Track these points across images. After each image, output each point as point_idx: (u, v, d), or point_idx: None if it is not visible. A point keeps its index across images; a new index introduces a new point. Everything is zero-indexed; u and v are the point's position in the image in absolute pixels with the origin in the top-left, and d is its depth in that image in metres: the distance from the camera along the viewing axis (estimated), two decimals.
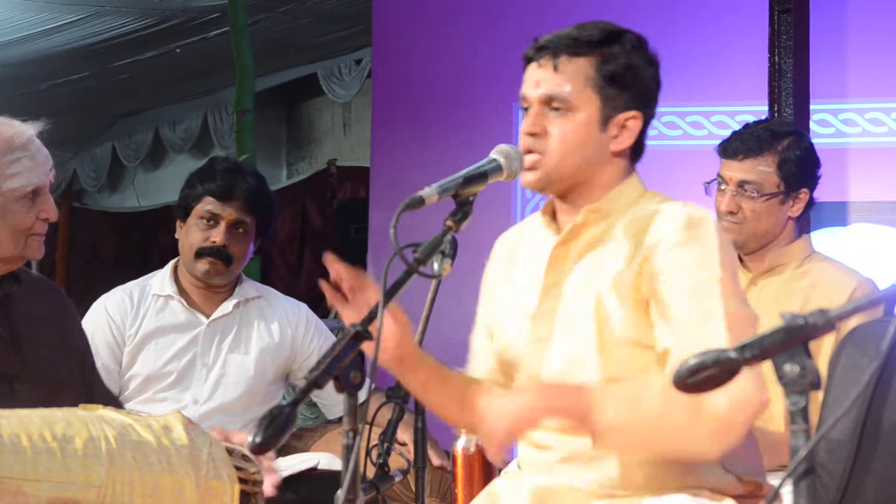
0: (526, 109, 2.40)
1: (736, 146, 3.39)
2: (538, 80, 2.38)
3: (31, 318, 2.86)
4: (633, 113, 2.38)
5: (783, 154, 3.37)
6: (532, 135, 2.37)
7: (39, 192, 2.83)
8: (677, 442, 2.21)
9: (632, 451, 2.28)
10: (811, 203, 3.43)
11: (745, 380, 2.13)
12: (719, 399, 2.13)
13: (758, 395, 2.17)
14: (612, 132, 2.38)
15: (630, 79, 2.37)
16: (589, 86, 2.35)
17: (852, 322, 2.51)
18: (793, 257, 3.41)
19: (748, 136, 3.40)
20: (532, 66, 2.40)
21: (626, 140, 2.39)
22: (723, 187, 3.39)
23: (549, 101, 2.37)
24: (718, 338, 2.21)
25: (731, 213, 3.35)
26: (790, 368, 1.61)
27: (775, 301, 3.31)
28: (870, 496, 2.32)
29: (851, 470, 2.32)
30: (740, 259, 3.44)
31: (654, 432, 2.20)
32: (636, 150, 2.43)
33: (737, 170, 3.37)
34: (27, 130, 2.84)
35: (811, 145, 3.46)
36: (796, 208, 3.40)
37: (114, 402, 2.94)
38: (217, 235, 3.63)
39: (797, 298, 3.32)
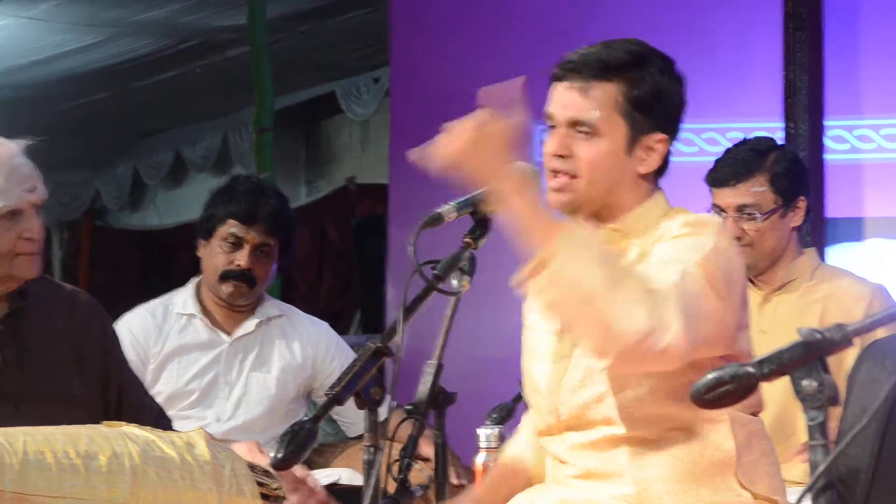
0: (552, 127, 2.41)
1: (725, 173, 3.39)
2: (565, 102, 2.38)
3: (44, 333, 2.82)
4: (659, 136, 2.39)
5: (772, 170, 3.37)
6: (559, 156, 2.38)
7: (17, 213, 2.73)
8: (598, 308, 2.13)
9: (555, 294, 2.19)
10: (809, 209, 3.44)
11: (677, 315, 2.11)
12: (641, 317, 2.10)
13: (680, 335, 2.11)
14: (639, 155, 2.38)
15: (657, 102, 2.38)
16: (617, 111, 2.36)
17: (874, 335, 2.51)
18: (803, 271, 3.42)
19: (733, 160, 3.40)
20: (559, 86, 2.40)
21: (653, 163, 2.40)
22: (722, 215, 3.39)
23: (575, 125, 2.37)
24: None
25: (737, 238, 3.35)
26: (808, 384, 1.62)
27: (792, 316, 3.32)
28: None
29: (871, 485, 2.32)
30: (752, 281, 3.44)
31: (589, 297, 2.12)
32: (660, 168, 2.44)
33: (731, 196, 3.37)
34: (4, 149, 2.72)
35: (796, 154, 3.48)
36: (797, 218, 3.41)
37: (152, 418, 2.88)
38: (241, 258, 3.66)
39: (814, 312, 3.33)
